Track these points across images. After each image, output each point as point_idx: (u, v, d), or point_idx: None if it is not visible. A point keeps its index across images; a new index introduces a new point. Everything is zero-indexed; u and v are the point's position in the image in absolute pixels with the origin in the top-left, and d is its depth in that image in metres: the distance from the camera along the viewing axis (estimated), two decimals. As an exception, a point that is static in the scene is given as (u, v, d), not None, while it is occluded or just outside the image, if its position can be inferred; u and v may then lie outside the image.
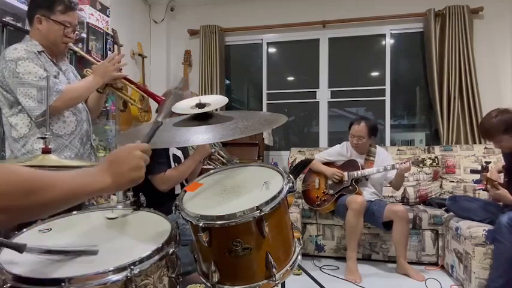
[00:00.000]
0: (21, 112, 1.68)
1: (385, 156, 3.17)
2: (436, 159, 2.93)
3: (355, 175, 3.09)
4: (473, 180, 3.46)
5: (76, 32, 1.83)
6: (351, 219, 2.89)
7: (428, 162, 2.92)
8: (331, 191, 3.16)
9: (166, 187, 2.04)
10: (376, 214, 2.94)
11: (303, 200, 3.36)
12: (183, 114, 1.30)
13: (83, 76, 1.91)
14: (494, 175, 2.63)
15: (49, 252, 0.92)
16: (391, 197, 3.59)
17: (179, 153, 2.25)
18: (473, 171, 3.25)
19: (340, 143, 3.36)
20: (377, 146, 3.25)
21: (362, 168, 3.10)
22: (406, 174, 3.61)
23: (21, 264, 0.90)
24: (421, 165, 2.96)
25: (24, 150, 1.69)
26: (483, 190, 2.72)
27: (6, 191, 0.67)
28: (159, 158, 2.03)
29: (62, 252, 0.94)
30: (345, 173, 3.13)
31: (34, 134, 1.68)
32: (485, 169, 2.53)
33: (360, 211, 2.87)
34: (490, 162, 2.85)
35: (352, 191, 3.07)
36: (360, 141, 3.10)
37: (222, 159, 2.09)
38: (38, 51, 1.69)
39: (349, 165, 3.17)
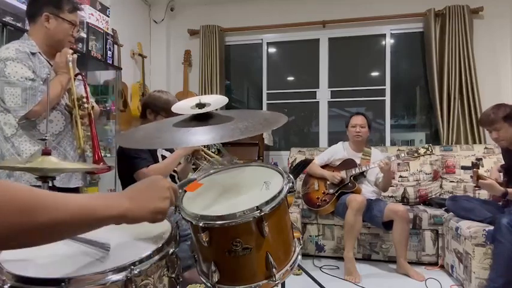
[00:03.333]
0: (10, 112, 1.66)
1: (380, 157, 3.19)
2: (429, 148, 2.89)
3: (353, 172, 3.12)
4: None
5: (77, 32, 1.84)
6: (349, 217, 2.89)
7: (422, 151, 2.89)
8: (331, 190, 3.16)
9: None
10: (376, 214, 2.94)
11: (303, 200, 3.36)
12: (182, 115, 1.29)
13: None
14: (494, 174, 2.63)
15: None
16: (391, 197, 3.59)
17: (167, 154, 2.24)
18: (464, 168, 3.21)
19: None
20: (371, 147, 3.29)
21: (359, 165, 3.13)
22: (405, 174, 3.65)
23: (21, 264, 0.90)
24: (415, 154, 2.92)
25: (13, 150, 1.67)
26: (475, 187, 2.71)
27: None
28: (143, 154, 2.04)
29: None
30: (343, 172, 3.15)
31: (21, 135, 1.67)
32: (475, 165, 2.51)
33: (359, 210, 2.88)
34: (481, 159, 2.83)
35: (351, 188, 3.09)
36: (362, 129, 3.13)
37: (208, 157, 2.07)
38: (31, 52, 1.67)
39: (347, 164, 3.20)
